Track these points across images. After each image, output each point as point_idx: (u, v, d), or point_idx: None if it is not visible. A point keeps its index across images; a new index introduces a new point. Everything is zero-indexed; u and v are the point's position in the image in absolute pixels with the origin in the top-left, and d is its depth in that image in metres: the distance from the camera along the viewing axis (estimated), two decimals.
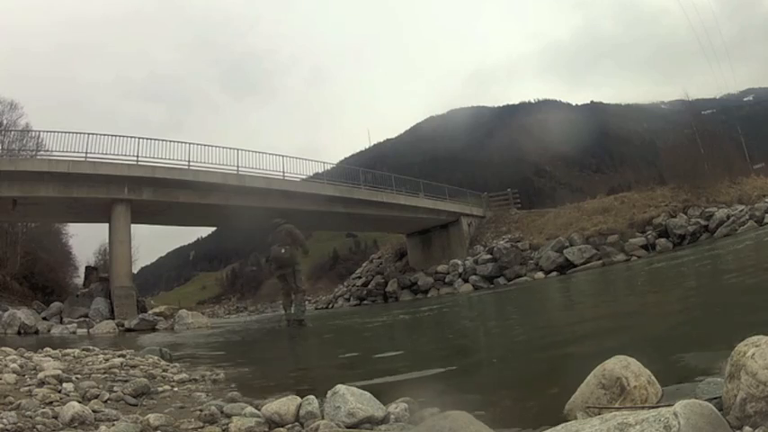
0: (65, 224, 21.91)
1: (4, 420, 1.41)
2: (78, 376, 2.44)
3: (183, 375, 2.71)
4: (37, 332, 8.64)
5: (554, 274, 16.16)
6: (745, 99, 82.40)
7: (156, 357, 3.42)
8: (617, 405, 1.17)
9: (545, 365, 2.45)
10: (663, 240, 15.61)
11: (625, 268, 12.36)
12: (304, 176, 18.47)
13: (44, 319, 10.57)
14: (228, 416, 1.67)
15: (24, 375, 2.31)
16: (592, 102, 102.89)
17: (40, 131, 14.73)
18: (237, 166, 15.79)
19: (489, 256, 18.51)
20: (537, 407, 1.62)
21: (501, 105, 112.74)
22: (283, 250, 7.42)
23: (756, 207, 14.63)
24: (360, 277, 23.72)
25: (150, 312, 10.94)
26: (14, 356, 2.92)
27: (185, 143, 15.10)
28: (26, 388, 1.99)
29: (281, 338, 6.74)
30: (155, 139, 14.54)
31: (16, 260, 18.22)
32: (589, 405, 1.22)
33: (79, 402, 1.71)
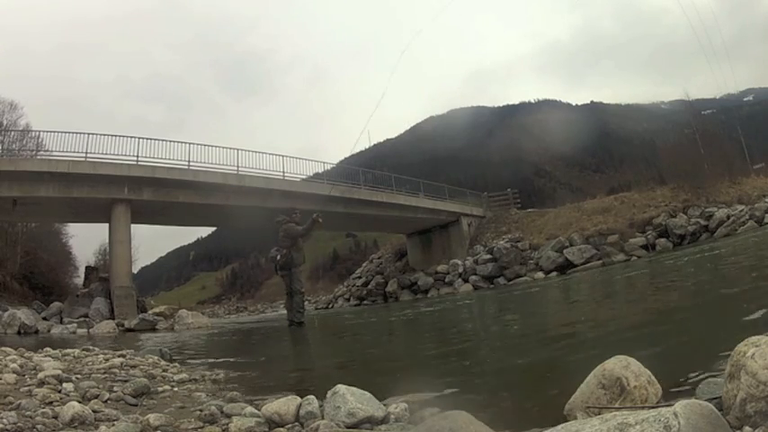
0: (65, 224, 21.97)
1: (4, 420, 1.41)
2: (78, 376, 2.44)
3: (183, 375, 2.71)
4: (37, 332, 8.63)
5: (554, 273, 16.13)
6: (745, 99, 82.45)
7: (156, 357, 3.42)
8: (617, 405, 1.17)
9: (545, 365, 2.45)
10: (663, 240, 15.60)
11: (625, 268, 12.34)
12: (304, 176, 18.47)
13: (44, 319, 10.57)
14: (228, 416, 1.67)
15: (24, 375, 2.31)
16: (592, 102, 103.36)
17: (39, 131, 14.70)
18: (237, 166, 15.80)
19: (489, 256, 18.50)
20: (537, 407, 1.62)
21: (501, 105, 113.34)
22: (279, 256, 7.41)
23: (756, 207, 14.62)
24: (360, 277, 23.70)
25: (150, 312, 10.93)
26: (14, 356, 2.92)
27: (185, 143, 15.13)
28: (26, 388, 1.99)
29: (282, 338, 6.74)
30: (155, 139, 14.57)
31: (16, 260, 18.25)
32: (589, 405, 1.22)
33: (79, 402, 1.71)
